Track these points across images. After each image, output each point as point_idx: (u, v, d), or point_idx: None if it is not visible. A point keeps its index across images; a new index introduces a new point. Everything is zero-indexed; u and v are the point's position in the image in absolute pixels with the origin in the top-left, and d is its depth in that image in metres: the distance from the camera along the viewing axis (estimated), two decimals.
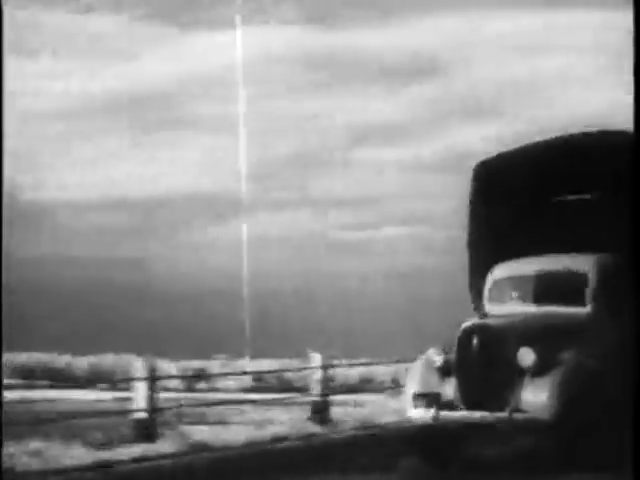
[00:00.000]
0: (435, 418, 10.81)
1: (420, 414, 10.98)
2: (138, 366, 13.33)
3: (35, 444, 12.34)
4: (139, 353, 16.64)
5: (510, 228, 12.43)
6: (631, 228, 10.31)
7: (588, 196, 12.28)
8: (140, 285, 30.96)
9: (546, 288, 11.81)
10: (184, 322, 28.32)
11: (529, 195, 12.47)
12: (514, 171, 12.39)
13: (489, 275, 12.19)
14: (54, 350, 28.68)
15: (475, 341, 10.92)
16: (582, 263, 11.58)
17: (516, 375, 10.57)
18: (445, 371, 11.05)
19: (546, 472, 10.56)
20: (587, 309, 11.34)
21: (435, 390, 10.97)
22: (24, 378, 26.08)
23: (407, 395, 11.25)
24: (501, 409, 10.53)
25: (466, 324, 11.15)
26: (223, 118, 32.01)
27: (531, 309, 11.70)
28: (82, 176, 34.79)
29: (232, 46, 29.71)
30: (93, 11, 34.75)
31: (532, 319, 11.41)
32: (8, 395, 13.30)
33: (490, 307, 12.02)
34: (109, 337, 28.37)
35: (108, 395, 20.83)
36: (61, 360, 28.54)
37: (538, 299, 11.76)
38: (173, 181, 34.91)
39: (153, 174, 34.59)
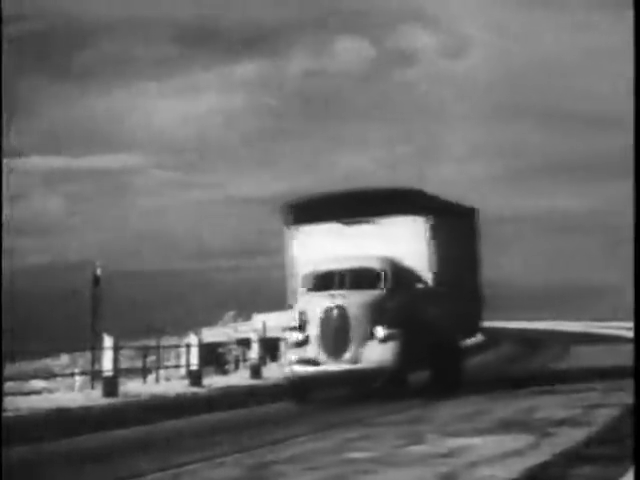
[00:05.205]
0: (314, 371, 17.87)
1: (301, 369, 18.00)
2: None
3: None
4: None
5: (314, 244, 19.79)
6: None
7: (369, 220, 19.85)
8: None
9: (354, 279, 18.65)
10: None
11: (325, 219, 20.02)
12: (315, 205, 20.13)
13: (306, 272, 19.12)
14: None
15: (335, 316, 17.92)
16: (378, 263, 18.95)
17: (368, 340, 17.88)
18: (303, 342, 17.99)
19: (385, 400, 17.76)
20: (383, 291, 18.72)
21: (307, 355, 17.84)
22: None
23: (289, 359, 18.31)
24: (355, 363, 17.87)
25: (327, 305, 18.06)
26: None
27: (350, 292, 18.39)
28: None
29: None
30: None
31: (372, 301, 18.42)
32: None
33: (310, 294, 18.72)
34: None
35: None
36: None
37: (350, 285, 18.56)
38: None
39: None
